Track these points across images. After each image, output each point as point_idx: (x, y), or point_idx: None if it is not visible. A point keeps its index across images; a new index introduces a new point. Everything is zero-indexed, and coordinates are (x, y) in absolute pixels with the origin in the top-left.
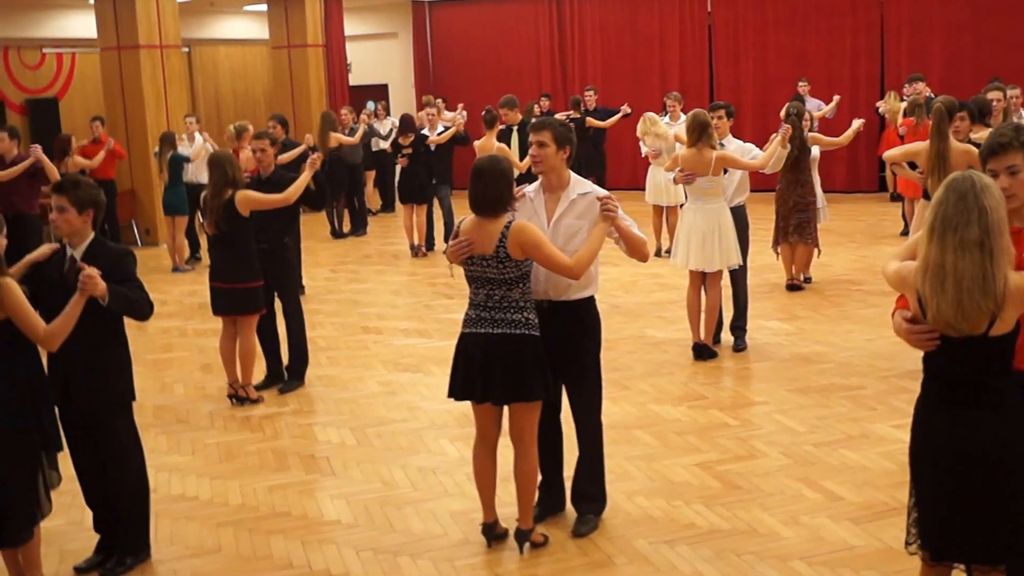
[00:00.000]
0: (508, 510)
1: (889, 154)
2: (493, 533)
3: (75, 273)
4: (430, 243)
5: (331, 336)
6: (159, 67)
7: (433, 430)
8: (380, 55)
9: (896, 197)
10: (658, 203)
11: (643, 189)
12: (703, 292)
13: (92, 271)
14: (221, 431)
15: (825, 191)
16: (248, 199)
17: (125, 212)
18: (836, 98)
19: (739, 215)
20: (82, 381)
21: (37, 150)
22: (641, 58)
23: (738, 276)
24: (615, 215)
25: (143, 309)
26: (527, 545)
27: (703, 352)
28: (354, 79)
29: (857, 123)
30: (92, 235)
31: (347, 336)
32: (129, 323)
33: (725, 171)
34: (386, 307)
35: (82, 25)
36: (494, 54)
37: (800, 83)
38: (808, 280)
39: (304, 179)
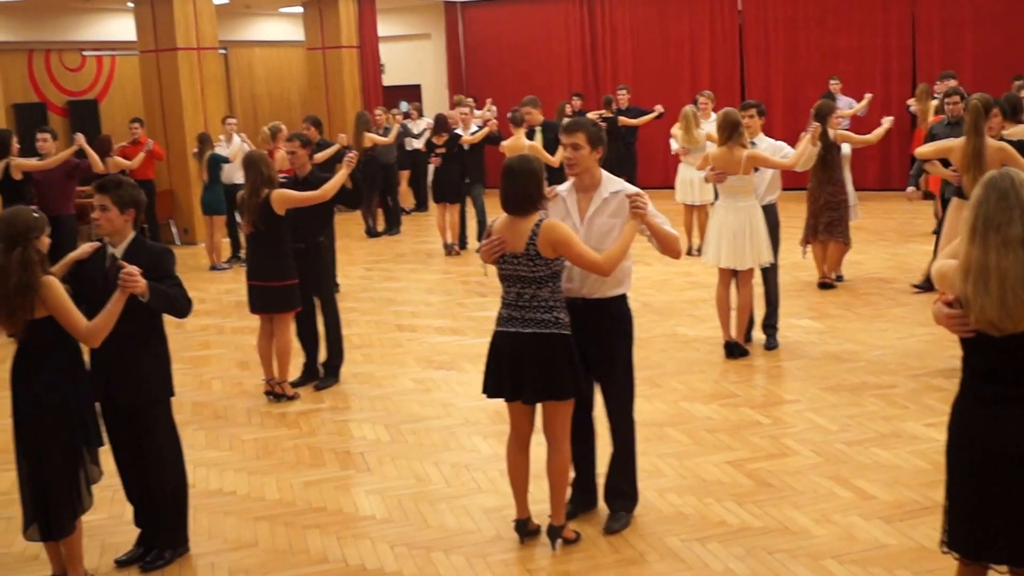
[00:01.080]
0: (541, 507)
1: (921, 151)
2: (526, 529)
3: (116, 271)
4: (463, 242)
5: (366, 334)
6: (196, 69)
7: (466, 427)
8: (413, 56)
9: (928, 195)
10: (688, 202)
11: (674, 188)
12: (733, 290)
13: (133, 269)
14: (258, 427)
15: (857, 189)
16: (284, 197)
17: (164, 211)
18: (868, 96)
19: (770, 213)
20: (122, 377)
21: (80, 138)
22: (672, 57)
23: (769, 274)
24: (645, 211)
25: (182, 306)
26: (559, 541)
27: (734, 350)
28: (387, 79)
29: (887, 121)
30: (133, 234)
31: (381, 334)
32: (168, 320)
33: (756, 169)
34: (420, 305)
35: (121, 28)
36: (526, 54)
37: (832, 81)
38: (840, 278)
39: (340, 177)
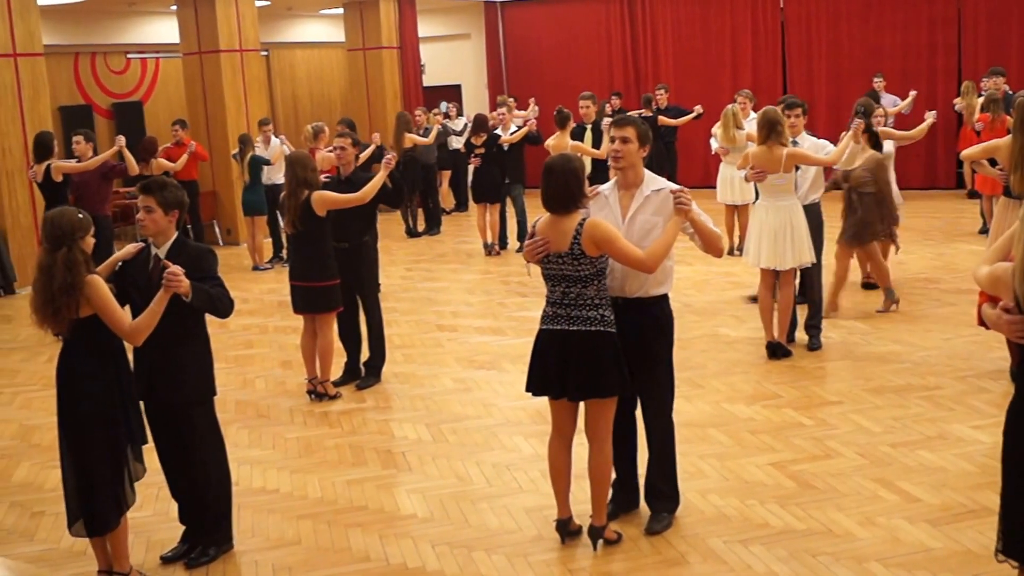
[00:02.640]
0: (582, 507)
1: (968, 152)
2: (567, 529)
3: (159, 271)
4: (503, 242)
5: (407, 334)
6: (239, 71)
7: (507, 427)
8: (453, 56)
9: (974, 194)
10: (729, 201)
11: (715, 187)
12: (776, 290)
13: (176, 269)
14: (301, 426)
15: (901, 188)
16: (324, 199)
17: (207, 212)
18: (912, 94)
19: (814, 212)
20: (165, 376)
21: (121, 141)
22: (713, 55)
23: (812, 274)
24: (688, 208)
25: (224, 306)
26: (600, 542)
27: (777, 351)
28: (428, 80)
29: (930, 116)
30: (176, 234)
31: (422, 334)
32: (211, 320)
33: (797, 168)
34: (460, 305)
35: (165, 31)
36: (566, 53)
37: (875, 79)
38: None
39: (380, 178)
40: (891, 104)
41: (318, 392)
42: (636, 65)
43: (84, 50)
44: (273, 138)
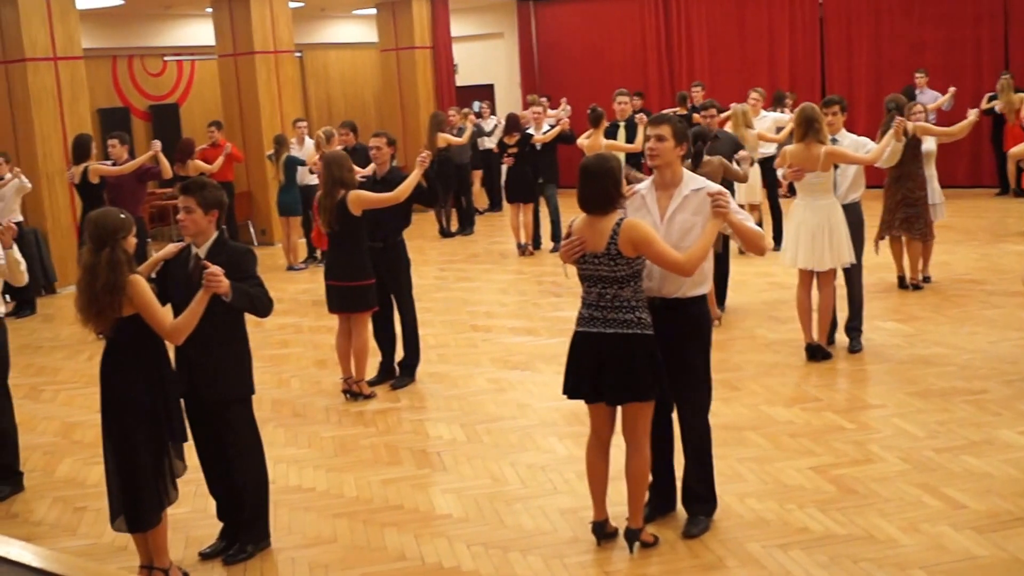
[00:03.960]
0: (619, 509)
1: (1015, 151)
2: (603, 532)
3: (200, 271)
4: (536, 242)
5: (441, 334)
6: (273, 72)
7: (543, 428)
8: (486, 55)
9: (1020, 193)
10: (741, 202)
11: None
12: (814, 291)
13: (216, 269)
14: (336, 425)
15: (945, 186)
16: (360, 199)
17: (242, 212)
18: (952, 90)
19: (854, 212)
20: (204, 374)
21: (156, 145)
22: (750, 52)
23: (852, 275)
24: (727, 211)
25: (264, 305)
26: (637, 544)
27: (816, 353)
28: (460, 79)
29: (973, 114)
30: (216, 234)
31: (456, 334)
32: (248, 319)
33: (836, 167)
34: (494, 305)
35: (201, 33)
36: (599, 51)
37: (917, 75)
38: (927, 279)
39: (414, 178)
40: (931, 100)
41: (353, 392)
42: (670, 63)
43: (121, 53)
44: (307, 138)
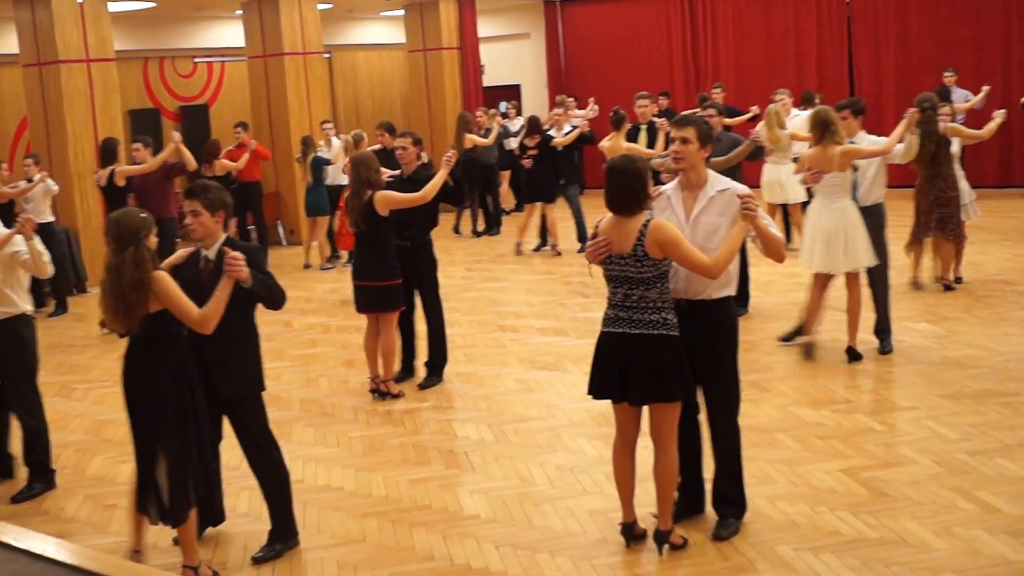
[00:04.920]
0: (647, 511)
1: None
2: (632, 533)
3: (210, 270)
4: (544, 241)
5: (468, 334)
6: (302, 73)
7: (571, 428)
8: (513, 56)
9: None
10: (778, 201)
11: (759, 188)
12: (835, 292)
13: (237, 254)
14: (364, 425)
15: (975, 186)
16: (387, 199)
17: (271, 213)
18: (985, 89)
19: (876, 213)
20: (220, 371)
21: (176, 136)
22: (776, 50)
23: (876, 276)
24: (755, 214)
25: (279, 295)
26: (666, 546)
27: (851, 355)
28: (487, 80)
29: (999, 115)
30: (224, 235)
31: (484, 334)
32: (276, 319)
33: (855, 168)
34: (522, 305)
35: (230, 35)
36: (626, 52)
37: (946, 73)
38: (959, 280)
39: (440, 177)
40: (963, 99)
41: (381, 391)
42: (696, 63)
43: (153, 55)
44: (334, 139)
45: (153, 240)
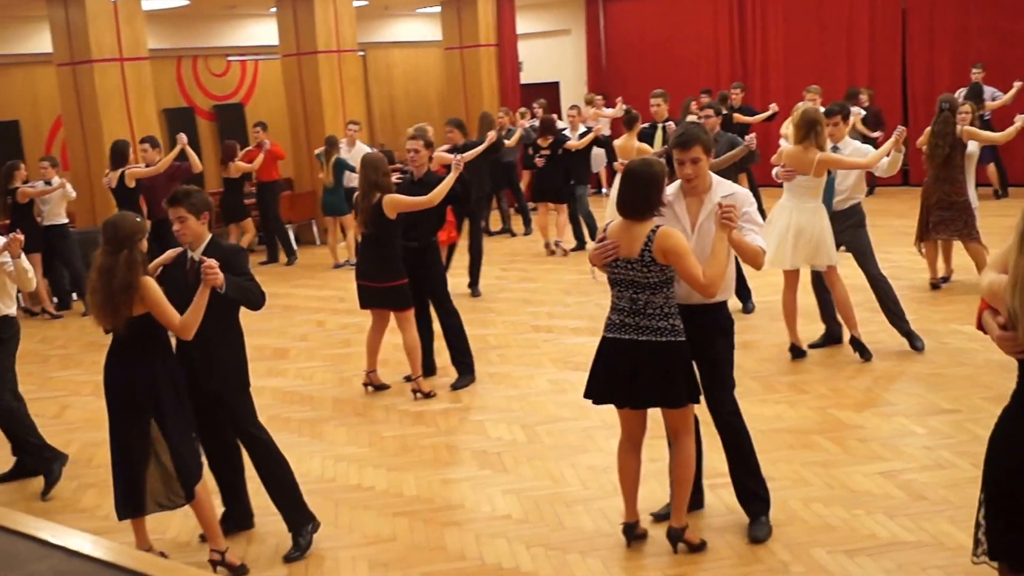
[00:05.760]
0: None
1: None
2: (633, 533)
3: (196, 271)
4: (557, 242)
5: (502, 334)
6: (336, 71)
7: (603, 429)
8: (552, 53)
9: None
10: None
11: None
12: (797, 291)
13: (212, 262)
14: (397, 424)
15: (1011, 184)
16: (394, 202)
17: (304, 212)
18: (1017, 85)
19: (855, 213)
20: (204, 366)
21: (182, 139)
22: (828, 45)
23: (875, 279)
24: (733, 226)
25: (256, 297)
26: (681, 544)
27: (799, 353)
28: (525, 77)
29: (1020, 119)
30: (209, 236)
31: (517, 334)
32: (310, 320)
33: (831, 173)
34: (556, 306)
35: (264, 33)
36: (669, 48)
37: (974, 70)
38: (946, 279)
39: (448, 181)
40: (990, 97)
41: (375, 385)
42: (744, 59)
43: (186, 53)
44: (359, 143)
45: (145, 244)
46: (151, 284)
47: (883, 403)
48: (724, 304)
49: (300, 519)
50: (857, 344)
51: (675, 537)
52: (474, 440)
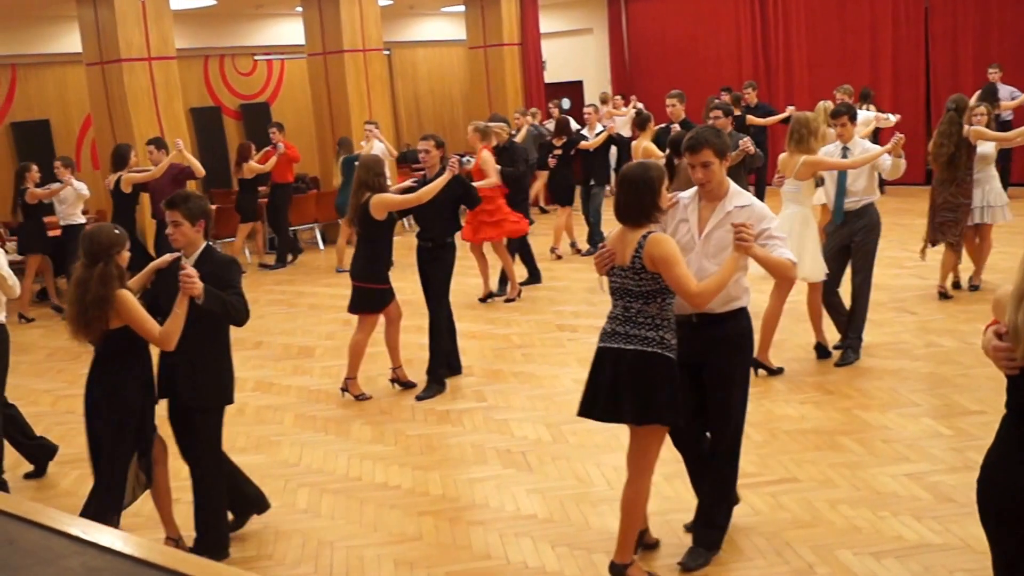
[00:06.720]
0: (676, 516)
1: None
2: (641, 541)
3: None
4: (573, 245)
5: (526, 333)
6: (362, 70)
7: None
8: (575, 51)
9: None
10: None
11: None
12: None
13: (191, 270)
14: (422, 423)
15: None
16: (383, 202)
17: (330, 212)
18: None
19: (867, 212)
20: (182, 376)
21: (179, 144)
22: (850, 43)
23: (859, 288)
24: (749, 245)
25: (238, 313)
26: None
27: (822, 351)
28: (549, 76)
29: None
30: (204, 244)
31: (542, 334)
32: (336, 319)
33: (820, 182)
34: (582, 305)
35: (291, 33)
36: (692, 47)
37: (991, 69)
38: (957, 286)
39: (441, 181)
40: (1007, 96)
41: (343, 388)
42: (767, 57)
43: (213, 53)
44: (376, 143)
45: (124, 256)
46: (127, 297)
47: (909, 404)
48: (740, 313)
49: (212, 546)
50: (820, 348)
51: (616, 573)
52: (499, 439)
